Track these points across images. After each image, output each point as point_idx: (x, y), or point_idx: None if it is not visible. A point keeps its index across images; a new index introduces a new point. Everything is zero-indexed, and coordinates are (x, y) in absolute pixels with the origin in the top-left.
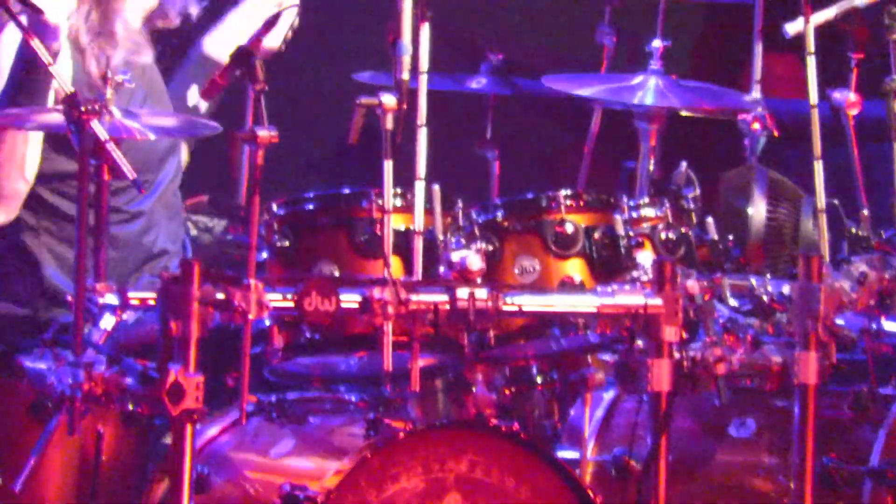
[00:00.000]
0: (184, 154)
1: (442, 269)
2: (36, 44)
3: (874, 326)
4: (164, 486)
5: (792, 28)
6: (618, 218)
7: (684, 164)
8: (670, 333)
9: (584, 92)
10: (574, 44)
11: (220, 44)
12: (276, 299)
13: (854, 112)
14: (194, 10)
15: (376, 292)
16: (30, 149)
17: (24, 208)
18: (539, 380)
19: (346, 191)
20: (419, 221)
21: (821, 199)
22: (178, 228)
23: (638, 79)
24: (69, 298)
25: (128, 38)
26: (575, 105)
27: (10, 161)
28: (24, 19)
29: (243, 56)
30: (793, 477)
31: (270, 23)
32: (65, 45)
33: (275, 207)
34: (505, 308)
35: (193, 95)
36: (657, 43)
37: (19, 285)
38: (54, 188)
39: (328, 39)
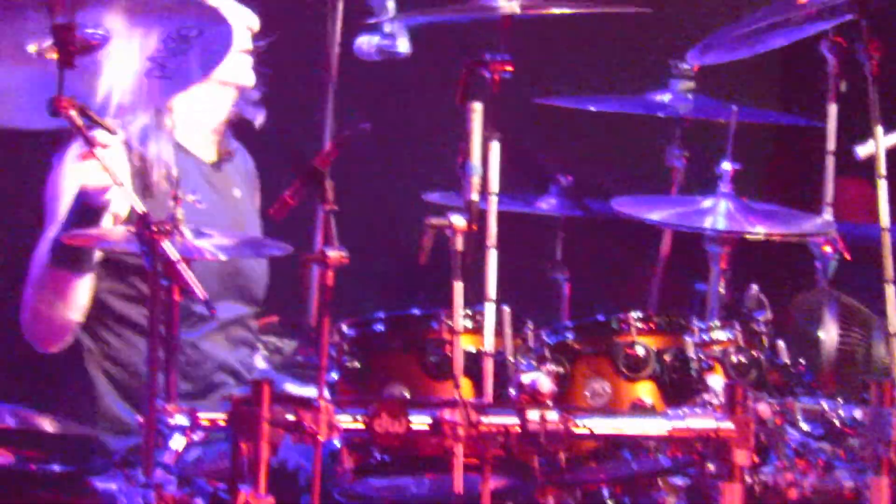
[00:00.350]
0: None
1: (512, 391)
2: (106, 165)
3: None
4: None
5: (863, 150)
6: (688, 341)
7: (755, 287)
8: (742, 457)
9: (654, 216)
10: (644, 165)
11: None
12: (346, 421)
13: None
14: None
15: (447, 414)
16: (81, 285)
17: (83, 332)
18: (610, 503)
19: (416, 312)
20: (489, 343)
21: (893, 324)
22: (244, 357)
23: (708, 202)
24: (139, 419)
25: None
26: (645, 227)
27: (61, 298)
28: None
29: (313, 175)
30: None
31: (340, 143)
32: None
33: (345, 328)
34: (576, 431)
35: None
36: (727, 166)
37: (84, 407)
38: (113, 311)
39: (397, 159)
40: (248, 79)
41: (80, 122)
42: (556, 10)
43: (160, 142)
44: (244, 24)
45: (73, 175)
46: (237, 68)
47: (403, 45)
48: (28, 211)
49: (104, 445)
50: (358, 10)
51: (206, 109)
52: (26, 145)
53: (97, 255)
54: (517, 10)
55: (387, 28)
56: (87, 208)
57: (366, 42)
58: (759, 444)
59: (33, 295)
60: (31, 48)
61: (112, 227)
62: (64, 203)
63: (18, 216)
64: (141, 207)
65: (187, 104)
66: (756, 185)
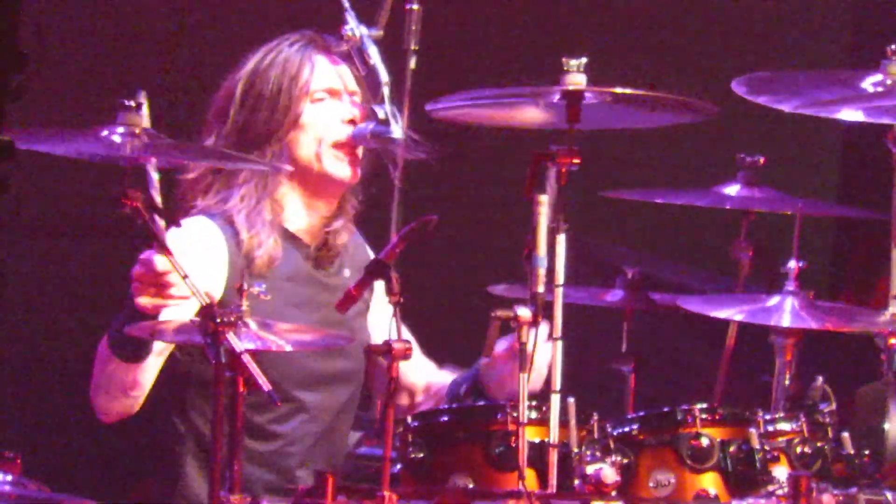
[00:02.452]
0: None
1: (577, 481)
2: (172, 259)
3: None
4: None
5: None
6: (753, 432)
7: (820, 379)
8: None
9: (720, 314)
10: (710, 258)
11: None
12: None
13: None
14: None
15: None
16: (138, 373)
17: (176, 417)
18: None
19: (481, 403)
20: (554, 434)
21: None
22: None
23: (774, 300)
24: None
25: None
26: (710, 319)
27: (117, 385)
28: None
29: (379, 268)
30: None
31: (406, 236)
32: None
33: (409, 419)
34: None
35: None
36: (792, 264)
37: (174, 498)
38: (204, 396)
39: (462, 252)
40: (345, 173)
41: (145, 215)
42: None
43: (261, 230)
44: (339, 118)
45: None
46: (334, 165)
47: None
48: None
49: None
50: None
51: (309, 200)
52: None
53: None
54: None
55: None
56: (140, 315)
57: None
58: None
59: (95, 374)
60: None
61: (172, 319)
62: None
63: None
64: (204, 299)
65: (293, 193)
66: (819, 278)
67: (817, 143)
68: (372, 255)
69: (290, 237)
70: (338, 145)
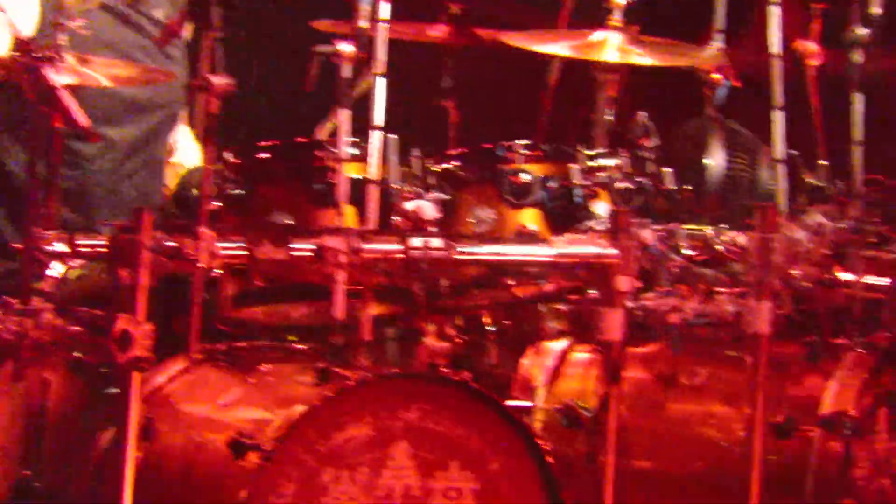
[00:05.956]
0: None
1: (396, 218)
2: None
3: (828, 277)
4: (111, 434)
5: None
6: (574, 168)
7: (643, 114)
8: (624, 283)
9: (544, 49)
10: None
11: None
12: (227, 248)
13: (815, 62)
14: None
15: (329, 241)
16: None
17: None
18: (492, 329)
19: (301, 140)
20: (374, 170)
21: (778, 150)
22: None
23: (599, 35)
24: (17, 246)
25: None
26: (534, 54)
27: None
28: None
29: (199, 3)
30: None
31: None
32: None
33: (227, 154)
34: (459, 258)
35: None
36: None
37: None
38: (13, 136)
39: None
40: None
41: None
42: None
43: None
44: None
45: None
46: None
47: None
48: None
49: None
50: None
51: None
52: None
53: None
54: None
55: None
56: None
57: None
58: (641, 270)
59: None
60: None
61: None
62: None
63: None
64: (20, 33)
65: None
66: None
67: None
68: None
69: None
70: None
